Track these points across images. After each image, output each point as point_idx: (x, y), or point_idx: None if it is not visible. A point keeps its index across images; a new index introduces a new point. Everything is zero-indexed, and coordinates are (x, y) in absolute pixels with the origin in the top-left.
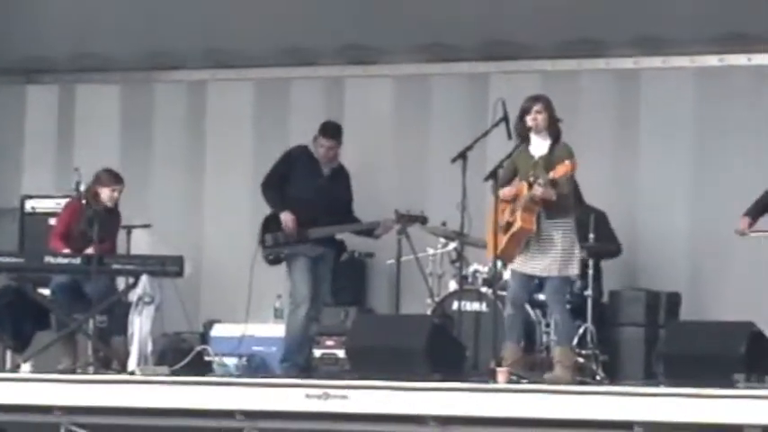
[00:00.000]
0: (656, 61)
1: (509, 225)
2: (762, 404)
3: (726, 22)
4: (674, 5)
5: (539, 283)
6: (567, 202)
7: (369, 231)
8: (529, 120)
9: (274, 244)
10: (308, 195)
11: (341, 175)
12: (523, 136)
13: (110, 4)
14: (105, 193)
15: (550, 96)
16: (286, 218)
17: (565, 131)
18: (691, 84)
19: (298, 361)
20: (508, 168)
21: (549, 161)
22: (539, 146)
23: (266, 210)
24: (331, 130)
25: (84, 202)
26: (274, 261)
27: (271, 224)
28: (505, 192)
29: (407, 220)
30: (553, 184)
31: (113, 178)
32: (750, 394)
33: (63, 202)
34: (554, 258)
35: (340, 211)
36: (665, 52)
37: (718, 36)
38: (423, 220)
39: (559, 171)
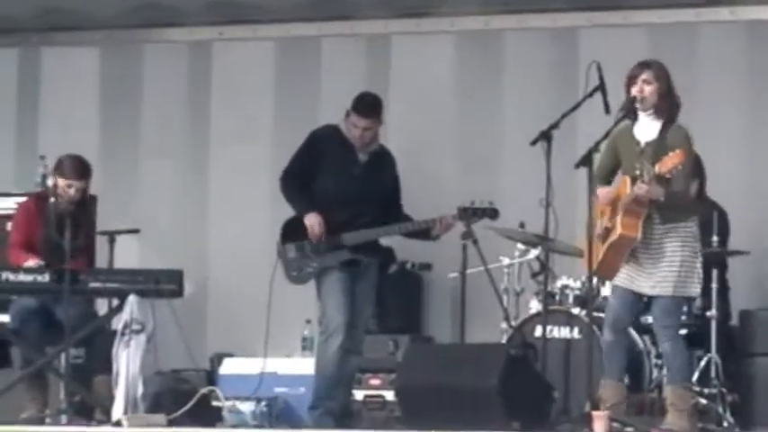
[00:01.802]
0: None
1: (608, 232)
2: None
3: None
4: None
5: (647, 302)
6: (685, 201)
7: (424, 232)
8: (634, 91)
9: (299, 256)
10: (341, 190)
11: (383, 160)
12: (629, 112)
13: None
14: (60, 187)
15: (661, 58)
16: (312, 221)
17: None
18: None
19: (332, 407)
20: (608, 153)
21: (659, 149)
22: (646, 127)
23: (289, 210)
24: (366, 107)
25: (50, 198)
26: (300, 279)
27: (293, 230)
28: (603, 194)
29: (472, 214)
30: (660, 180)
31: (74, 169)
32: None
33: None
34: (669, 273)
35: (384, 209)
36: None
37: None
38: (492, 213)
39: (667, 164)
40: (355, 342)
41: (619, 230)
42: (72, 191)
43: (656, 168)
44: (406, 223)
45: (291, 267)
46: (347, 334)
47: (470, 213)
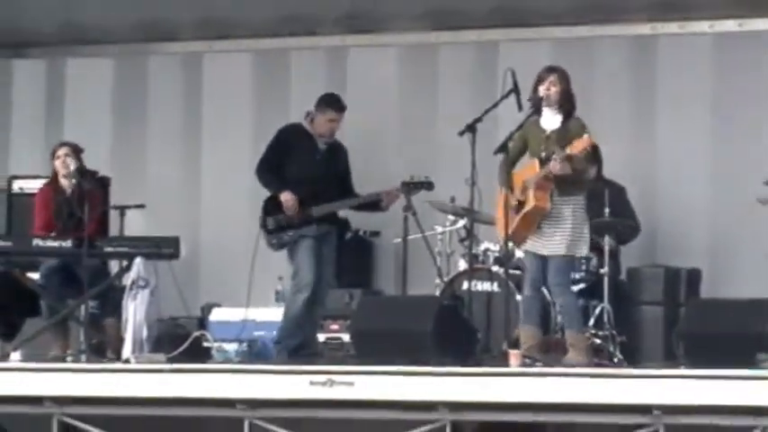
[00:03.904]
0: (673, 27)
1: (521, 204)
2: None
3: None
4: None
5: None
6: (581, 179)
7: (375, 205)
8: (541, 90)
9: (277, 227)
10: (307, 173)
11: (338, 149)
12: (536, 107)
13: None
14: (57, 168)
15: (563, 65)
16: (287, 198)
17: (578, 101)
18: (709, 50)
19: (291, 344)
20: (518, 141)
21: (562, 136)
22: (550, 119)
23: (263, 189)
24: (339, 103)
25: (58, 182)
26: (278, 246)
27: (272, 206)
28: (516, 173)
29: (413, 187)
30: (569, 159)
31: (59, 144)
32: None
33: None
34: (563, 236)
35: (340, 188)
36: (683, 17)
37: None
38: (428, 185)
39: (577, 146)
40: (320, 295)
41: (532, 202)
42: (59, 162)
43: (568, 150)
44: (361, 196)
45: (272, 237)
46: (313, 289)
47: (411, 186)
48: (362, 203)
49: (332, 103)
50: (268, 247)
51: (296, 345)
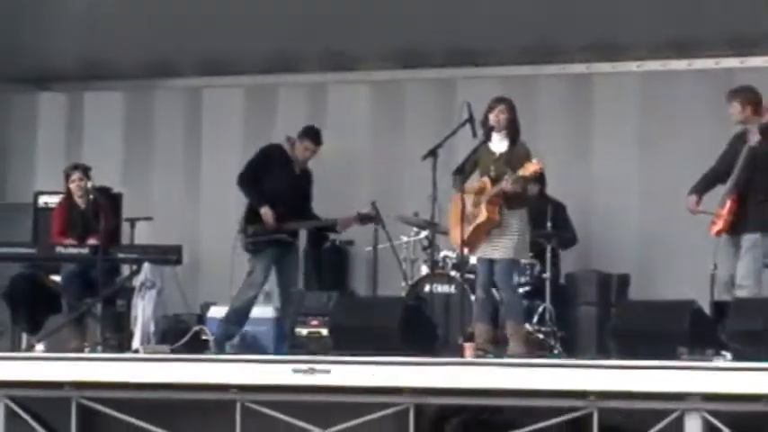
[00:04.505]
0: (606, 66)
1: (473, 217)
2: (702, 375)
3: (669, 31)
4: (623, 16)
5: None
6: (525, 195)
7: (331, 227)
8: (491, 118)
9: (254, 234)
10: (282, 190)
11: (308, 175)
12: (486, 132)
13: (114, 17)
14: (70, 187)
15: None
16: (266, 212)
17: (524, 130)
18: (637, 86)
19: (231, 331)
20: (470, 163)
21: (510, 159)
22: (498, 143)
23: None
24: (318, 137)
25: (73, 197)
26: (253, 250)
27: (251, 216)
28: (468, 188)
29: (366, 219)
30: (519, 180)
31: (69, 166)
32: (692, 366)
33: None
34: (511, 242)
35: (305, 208)
36: (615, 58)
37: (661, 43)
38: (378, 221)
39: (529, 169)
40: (290, 294)
41: (485, 215)
42: (75, 185)
43: (520, 172)
44: (322, 219)
45: (248, 242)
46: (259, 292)
47: (365, 218)
48: (322, 226)
49: (311, 135)
50: (242, 249)
51: (234, 334)
